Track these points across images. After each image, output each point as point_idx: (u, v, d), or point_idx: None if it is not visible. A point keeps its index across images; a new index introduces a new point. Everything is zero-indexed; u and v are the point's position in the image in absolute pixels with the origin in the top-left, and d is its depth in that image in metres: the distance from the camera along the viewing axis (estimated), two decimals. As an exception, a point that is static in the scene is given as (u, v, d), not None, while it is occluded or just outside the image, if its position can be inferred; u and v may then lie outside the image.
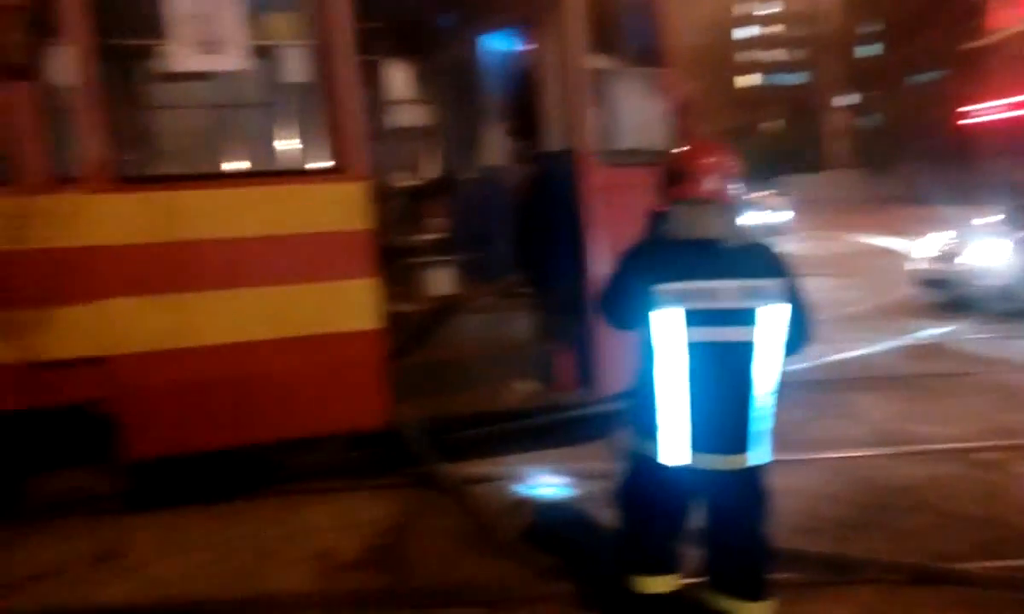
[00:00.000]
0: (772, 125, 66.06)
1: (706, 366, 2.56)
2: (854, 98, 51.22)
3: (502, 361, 5.25)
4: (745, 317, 2.56)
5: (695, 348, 2.56)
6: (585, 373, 5.15)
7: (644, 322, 2.63)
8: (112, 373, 4.14)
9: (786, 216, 25.88)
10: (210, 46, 4.14)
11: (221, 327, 4.28)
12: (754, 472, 2.66)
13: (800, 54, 74.97)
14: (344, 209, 4.44)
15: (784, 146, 55.71)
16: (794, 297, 2.66)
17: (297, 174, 4.97)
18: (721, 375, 2.57)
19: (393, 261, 5.05)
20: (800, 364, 7.21)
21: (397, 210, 6.19)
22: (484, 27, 6.13)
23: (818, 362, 7.39)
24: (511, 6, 5.51)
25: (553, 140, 5.40)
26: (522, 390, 5.30)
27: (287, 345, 4.38)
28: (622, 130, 5.36)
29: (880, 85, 48.95)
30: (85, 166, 4.03)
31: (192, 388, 4.26)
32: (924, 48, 39.76)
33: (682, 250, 2.64)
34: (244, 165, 5.17)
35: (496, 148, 6.32)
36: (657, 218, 2.80)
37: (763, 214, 24.48)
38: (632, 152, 5.44)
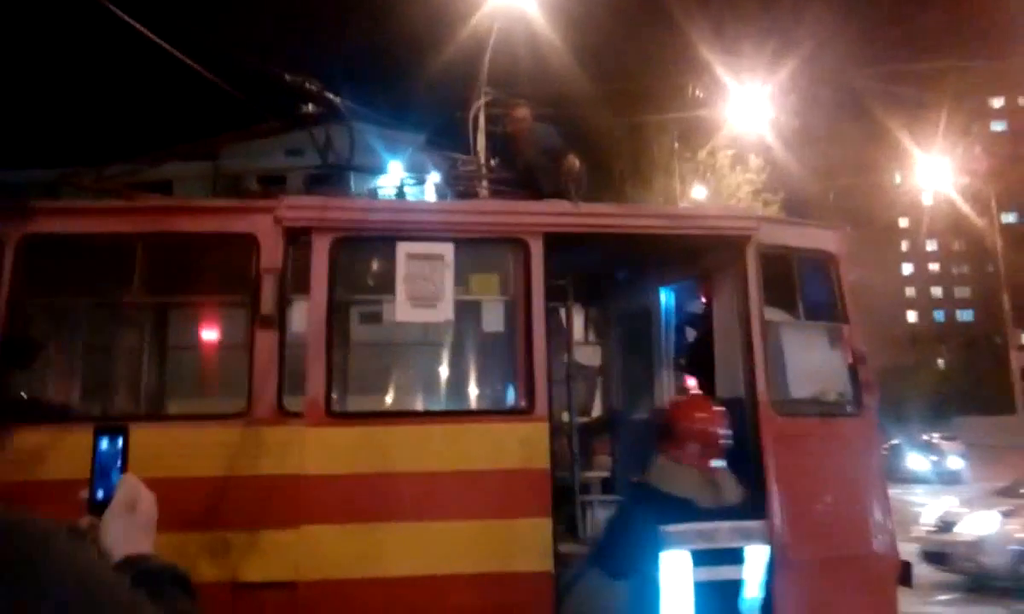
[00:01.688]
0: (944, 363, 62.58)
1: (707, 603, 2.83)
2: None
3: None
4: (737, 556, 2.87)
5: (698, 587, 2.86)
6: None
7: (652, 564, 2.88)
8: (302, 597, 4.38)
9: (958, 462, 23.91)
10: (425, 301, 4.73)
11: (407, 559, 4.48)
12: None
13: (968, 291, 72.41)
14: (528, 447, 4.69)
15: (957, 386, 52.32)
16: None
17: (489, 413, 5.33)
18: (719, 609, 2.85)
19: (561, 498, 5.17)
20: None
21: (566, 447, 6.40)
22: (663, 279, 6.54)
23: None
24: (690, 261, 5.90)
25: (728, 388, 5.52)
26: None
27: (466, 581, 4.50)
28: (798, 381, 5.42)
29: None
30: (308, 402, 4.56)
31: (372, 616, 4.41)
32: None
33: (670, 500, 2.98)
34: (442, 404, 5.65)
35: (665, 391, 6.50)
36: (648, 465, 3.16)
37: (932, 459, 22.78)
38: (808, 403, 5.46)
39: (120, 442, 1.97)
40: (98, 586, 0.84)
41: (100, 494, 1.82)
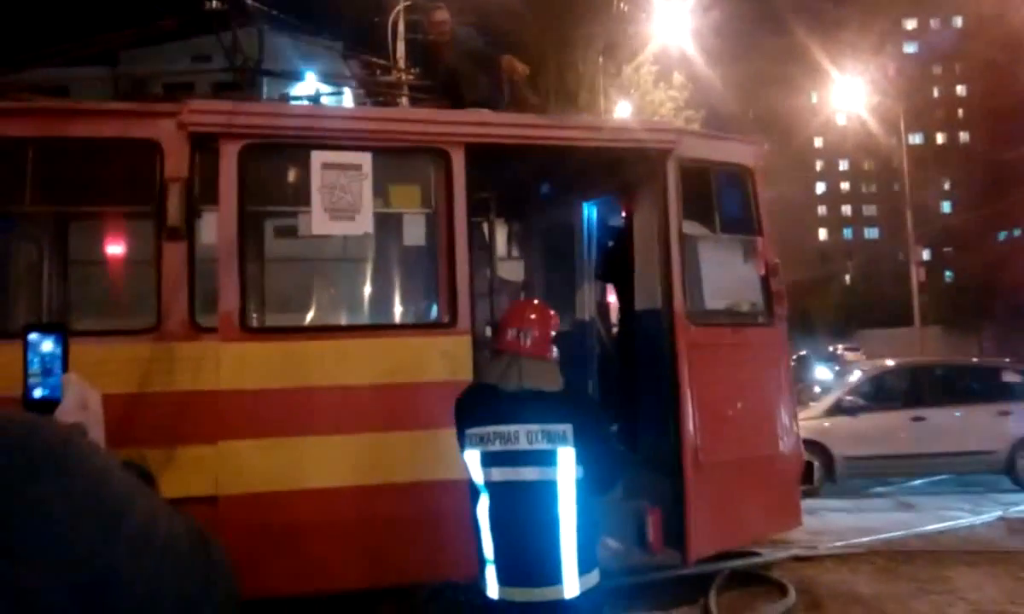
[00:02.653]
0: (850, 279, 65.58)
1: (506, 504, 2.70)
2: (927, 254, 50.97)
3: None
4: (542, 457, 2.67)
5: (494, 487, 2.71)
6: (676, 533, 5.13)
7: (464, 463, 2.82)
8: (223, 511, 4.34)
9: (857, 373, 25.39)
10: (342, 213, 4.59)
11: (328, 471, 4.48)
12: (575, 603, 2.65)
13: (875, 209, 75.50)
14: (451, 361, 4.69)
15: (860, 299, 54.97)
16: (596, 441, 2.76)
17: (410, 327, 5.30)
18: (522, 512, 2.68)
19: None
20: (896, 532, 7.05)
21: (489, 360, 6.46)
22: (585, 193, 6.54)
23: (915, 531, 7.13)
24: (611, 175, 5.90)
25: (646, 300, 5.63)
26: (612, 549, 5.29)
27: (389, 491, 4.54)
28: (713, 292, 5.57)
29: (958, 242, 48.55)
30: (221, 317, 4.43)
31: (292, 531, 4.41)
32: (1002, 211, 39.45)
33: (488, 396, 2.84)
34: (362, 319, 5.58)
35: (588, 305, 6.59)
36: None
37: (836, 369, 24.09)
38: (722, 313, 5.64)
39: (60, 342, 1.89)
40: (115, 475, 0.92)
41: (39, 392, 1.75)
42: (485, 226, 6.48)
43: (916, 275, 32.64)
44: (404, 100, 7.21)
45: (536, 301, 3.62)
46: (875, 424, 10.16)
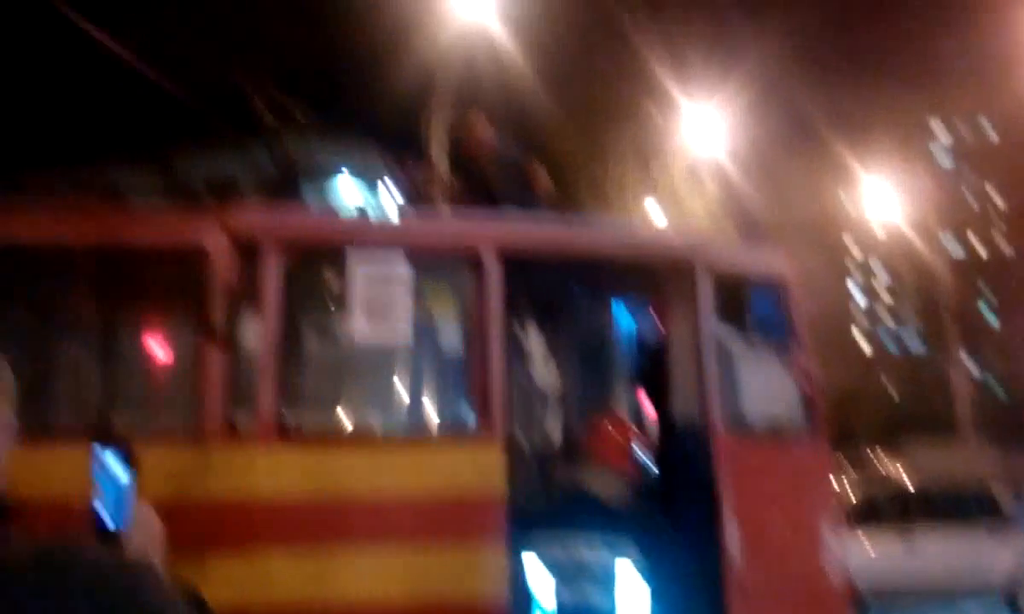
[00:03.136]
0: (891, 386, 64.36)
1: None
2: (974, 367, 49.97)
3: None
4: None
5: None
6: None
7: None
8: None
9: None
10: (380, 319, 4.64)
11: (358, 584, 4.38)
12: None
13: (913, 315, 74.72)
14: (483, 471, 4.62)
15: (906, 412, 53.75)
16: None
17: (443, 435, 5.26)
18: None
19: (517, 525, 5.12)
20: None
21: (523, 470, 6.36)
22: (618, 298, 6.55)
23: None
24: (643, 282, 5.92)
25: (681, 410, 5.54)
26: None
27: (419, 608, 4.41)
28: (751, 405, 5.46)
29: (1006, 354, 47.68)
30: (258, 422, 4.44)
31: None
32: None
33: None
34: (395, 425, 5.57)
35: (624, 412, 6.50)
36: None
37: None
38: (762, 426, 5.51)
39: (130, 469, 1.85)
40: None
41: (112, 525, 1.69)
42: (519, 330, 6.50)
43: (962, 388, 31.86)
44: (440, 204, 7.38)
45: None
46: (862, 548, 9.46)
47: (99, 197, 6.50)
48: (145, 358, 5.28)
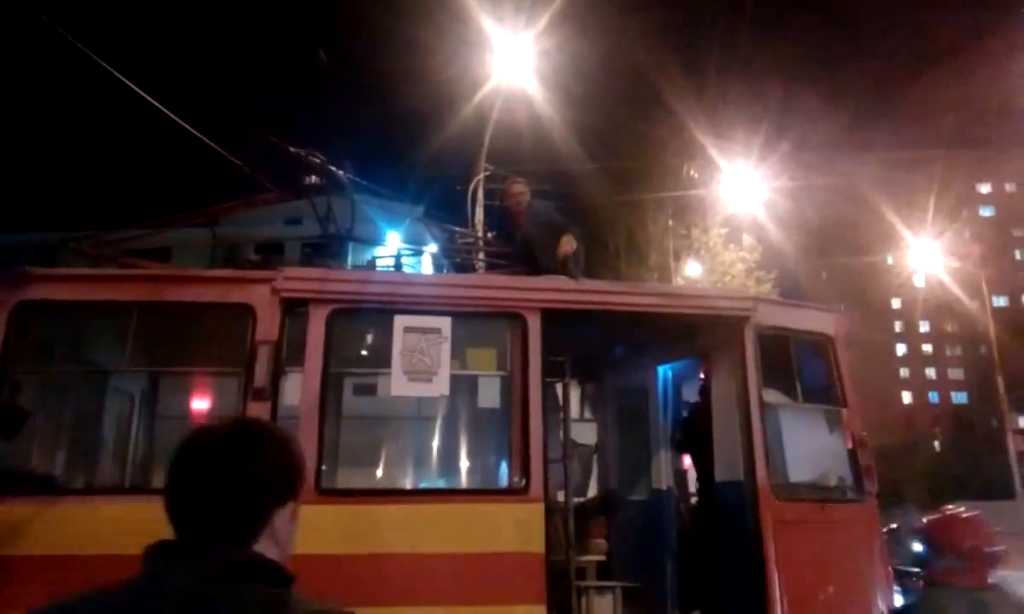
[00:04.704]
0: (939, 445, 62.27)
1: None
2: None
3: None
4: None
5: None
6: None
7: None
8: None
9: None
10: (421, 375, 4.67)
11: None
12: None
13: (961, 373, 72.59)
14: (523, 529, 4.56)
15: (953, 469, 51.90)
16: None
17: (482, 492, 5.22)
18: None
19: (556, 583, 5.02)
20: None
21: (561, 529, 6.27)
22: (660, 356, 6.51)
23: None
24: (687, 339, 5.87)
25: (726, 471, 5.43)
26: None
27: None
28: (798, 465, 5.34)
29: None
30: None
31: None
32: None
33: None
34: (435, 482, 5.55)
35: (665, 473, 6.40)
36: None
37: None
38: (809, 488, 5.37)
39: None
40: None
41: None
42: (559, 388, 6.48)
43: (1013, 444, 30.73)
44: (481, 264, 7.46)
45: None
46: None
47: (151, 256, 6.71)
48: (191, 412, 5.38)
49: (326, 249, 7.22)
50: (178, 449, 1.52)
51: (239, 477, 1.51)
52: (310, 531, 4.34)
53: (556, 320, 5.02)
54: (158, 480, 4.89)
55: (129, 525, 4.24)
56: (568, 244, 5.81)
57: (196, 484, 1.51)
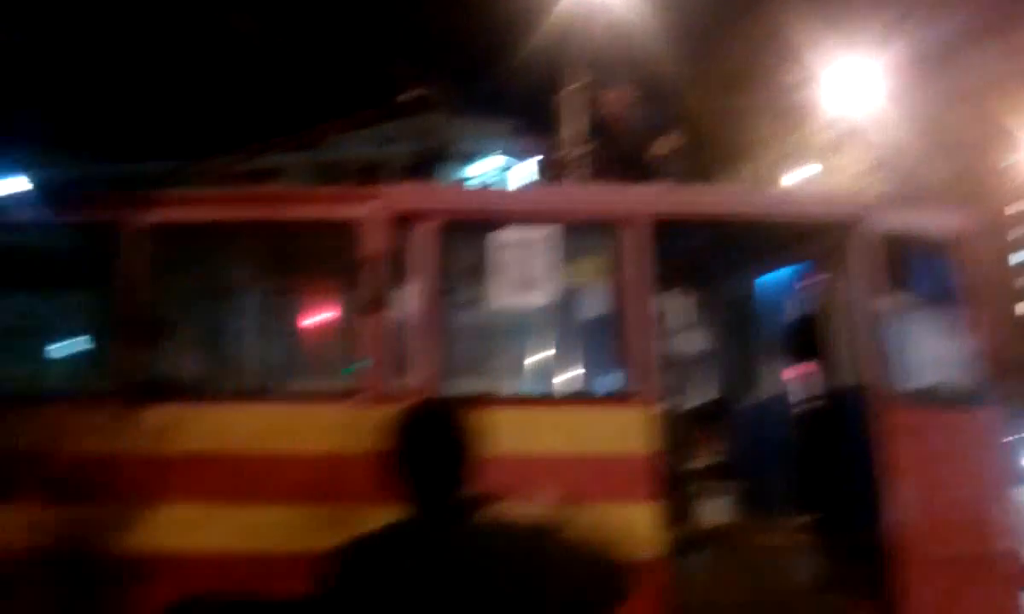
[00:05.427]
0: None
1: None
2: None
3: (784, 609, 4.94)
4: None
5: None
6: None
7: None
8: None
9: None
10: (528, 286, 4.73)
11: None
12: None
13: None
14: (635, 433, 4.63)
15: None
16: None
17: (595, 398, 5.29)
18: None
19: (671, 487, 5.10)
20: None
21: (674, 434, 6.31)
22: (771, 262, 6.34)
23: None
24: (799, 244, 5.69)
25: (841, 377, 5.30)
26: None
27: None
28: (918, 370, 5.16)
29: None
30: (414, 386, 4.64)
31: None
32: None
33: None
34: (546, 390, 5.66)
35: (774, 379, 6.31)
36: None
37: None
38: (929, 393, 5.19)
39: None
40: None
41: None
42: (667, 296, 6.42)
43: None
44: (579, 175, 7.38)
45: None
46: None
47: (259, 179, 6.94)
48: (309, 328, 5.65)
49: (423, 167, 7.25)
50: (405, 421, 2.21)
51: (458, 438, 2.18)
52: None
53: (664, 227, 4.95)
54: (283, 387, 5.21)
55: (255, 426, 4.63)
56: (667, 145, 5.68)
57: (432, 446, 2.17)
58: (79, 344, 5.44)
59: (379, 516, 4.40)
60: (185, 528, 4.43)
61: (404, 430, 2.18)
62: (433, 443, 2.16)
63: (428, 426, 2.20)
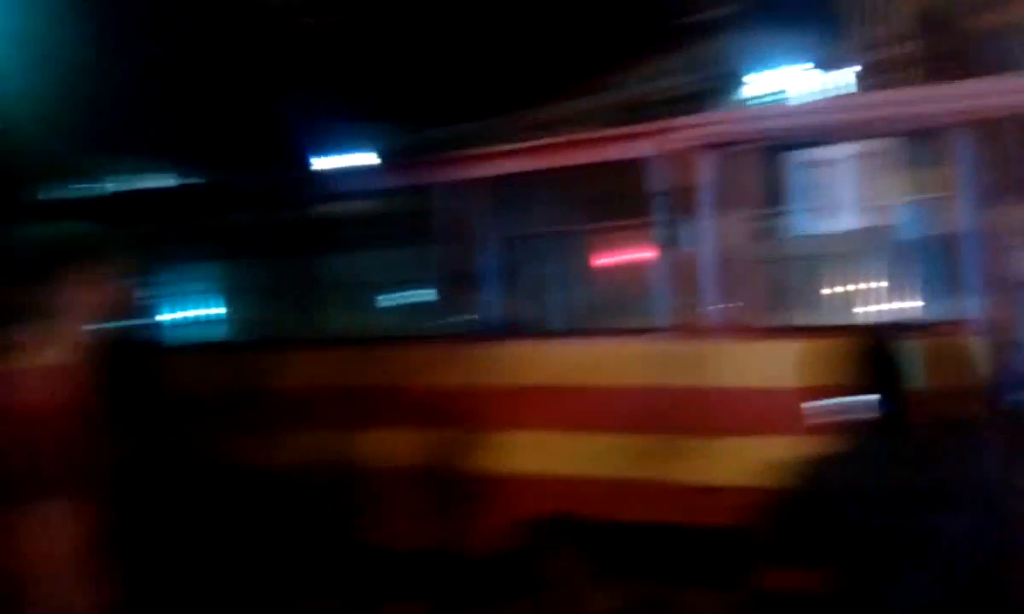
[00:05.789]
0: None
1: None
2: None
3: None
4: None
5: None
6: None
7: None
8: (746, 503, 4.44)
9: None
10: (855, 206, 4.41)
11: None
12: None
13: None
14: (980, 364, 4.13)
15: None
16: None
17: (933, 325, 4.81)
18: None
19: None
20: None
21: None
22: None
23: None
24: None
25: None
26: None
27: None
28: None
29: None
30: (730, 316, 4.59)
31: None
32: None
33: None
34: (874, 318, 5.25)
35: None
36: None
37: None
38: None
39: None
40: None
41: None
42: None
43: None
44: (904, 78, 6.61)
45: None
46: None
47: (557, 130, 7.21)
48: (616, 264, 5.85)
49: (721, 92, 6.96)
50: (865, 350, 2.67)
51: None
52: (739, 367, 4.52)
53: (1007, 130, 4.26)
54: (601, 323, 5.47)
55: (579, 361, 4.93)
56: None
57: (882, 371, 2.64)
58: (430, 292, 6.13)
59: (699, 447, 4.50)
60: (536, 454, 4.98)
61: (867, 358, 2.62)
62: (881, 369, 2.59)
63: (879, 354, 2.63)
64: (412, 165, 5.88)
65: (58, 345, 2.01)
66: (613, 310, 5.75)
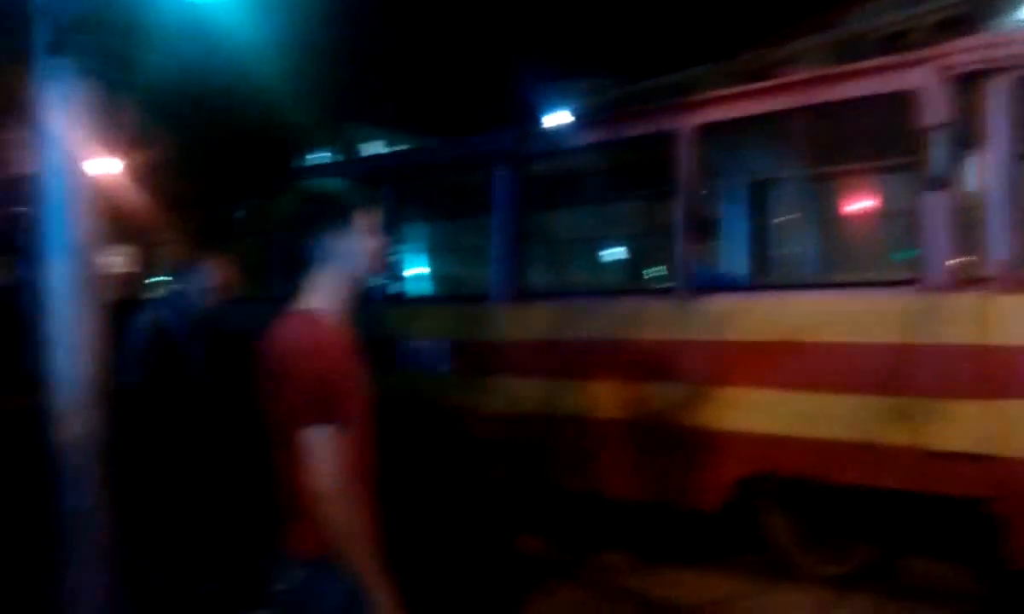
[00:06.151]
0: None
1: None
2: None
3: None
4: None
5: None
6: None
7: None
8: (1000, 474, 4.03)
9: None
10: None
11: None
12: None
13: None
14: None
15: None
16: None
17: None
18: None
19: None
20: None
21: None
22: None
23: None
24: None
25: None
26: None
27: None
28: None
29: None
30: (996, 267, 4.10)
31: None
32: None
33: None
34: None
35: None
36: None
37: None
38: None
39: None
40: None
41: None
42: None
43: None
44: None
45: None
46: None
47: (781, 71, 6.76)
48: (863, 210, 5.38)
49: (961, 22, 6.18)
50: None
51: None
52: (1011, 322, 4.02)
53: None
54: (840, 276, 5.09)
55: (815, 316, 4.62)
56: None
57: None
58: (634, 248, 6.02)
59: (938, 408, 4.07)
60: (747, 410, 4.74)
61: None
62: None
63: None
64: (647, 114, 5.55)
65: (334, 290, 2.20)
66: (866, 260, 5.32)
